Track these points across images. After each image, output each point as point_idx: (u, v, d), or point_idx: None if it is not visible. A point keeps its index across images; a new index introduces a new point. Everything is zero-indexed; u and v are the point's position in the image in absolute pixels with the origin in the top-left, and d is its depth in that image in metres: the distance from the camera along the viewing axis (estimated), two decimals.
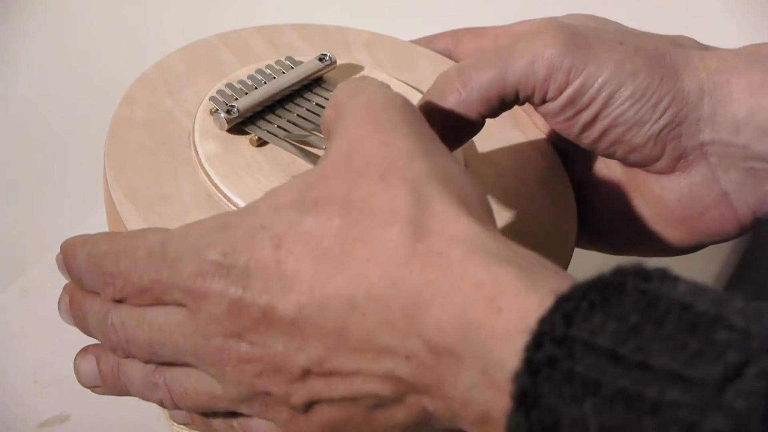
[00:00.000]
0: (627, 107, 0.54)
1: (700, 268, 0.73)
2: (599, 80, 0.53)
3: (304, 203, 0.44)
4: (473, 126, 0.55)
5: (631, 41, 0.55)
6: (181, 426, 0.58)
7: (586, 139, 0.55)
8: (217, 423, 0.48)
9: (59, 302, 0.50)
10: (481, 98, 0.54)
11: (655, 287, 0.38)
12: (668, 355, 0.36)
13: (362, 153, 0.44)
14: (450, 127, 0.54)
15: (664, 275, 0.39)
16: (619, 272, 0.39)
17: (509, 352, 0.39)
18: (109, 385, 0.49)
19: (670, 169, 0.56)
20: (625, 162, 0.56)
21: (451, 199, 0.43)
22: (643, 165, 0.56)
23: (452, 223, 0.42)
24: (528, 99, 0.55)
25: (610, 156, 0.56)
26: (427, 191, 0.43)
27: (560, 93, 0.54)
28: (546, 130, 0.61)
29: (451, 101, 0.54)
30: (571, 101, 0.54)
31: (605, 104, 0.54)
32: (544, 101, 0.55)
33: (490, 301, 0.40)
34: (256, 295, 0.43)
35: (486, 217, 0.44)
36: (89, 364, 0.49)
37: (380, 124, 0.45)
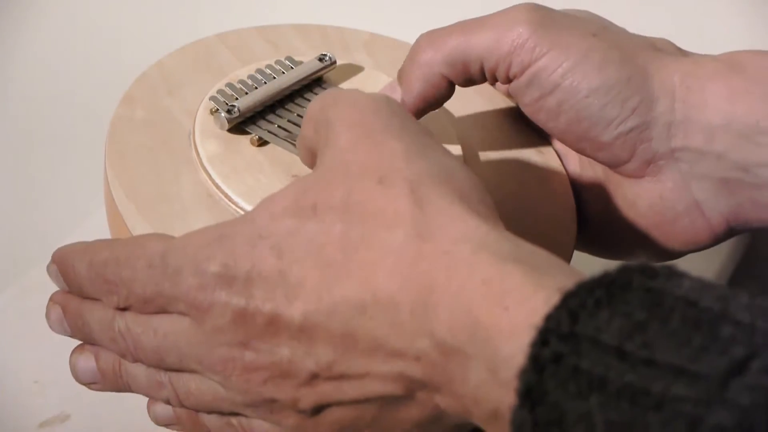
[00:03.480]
0: (592, 100, 0.54)
1: (700, 268, 0.73)
2: (563, 65, 0.53)
3: (301, 209, 0.44)
4: (441, 89, 0.56)
5: (606, 36, 0.55)
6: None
7: (555, 129, 0.55)
8: (212, 420, 0.48)
9: (48, 313, 0.49)
10: (445, 60, 0.55)
11: (660, 284, 0.38)
12: (673, 350, 0.37)
13: (356, 157, 0.44)
14: (420, 86, 0.55)
15: (670, 272, 0.39)
16: (625, 269, 0.39)
17: (516, 349, 0.39)
18: (109, 381, 0.49)
19: (640, 173, 0.55)
20: (597, 160, 0.56)
21: (453, 197, 0.43)
22: (614, 165, 0.56)
23: (457, 222, 0.42)
24: (494, 73, 0.55)
25: (581, 152, 0.56)
26: (429, 191, 0.43)
27: (523, 71, 0.54)
28: (545, 132, 0.61)
29: (419, 60, 0.55)
30: (533, 81, 0.54)
31: (569, 93, 0.54)
32: (508, 79, 0.55)
33: (497, 299, 0.40)
34: (260, 304, 0.43)
35: (489, 214, 0.44)
36: (87, 361, 0.49)
37: (370, 127, 0.45)
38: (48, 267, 0.49)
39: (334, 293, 0.42)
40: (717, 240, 0.57)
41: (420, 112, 0.57)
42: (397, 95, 0.56)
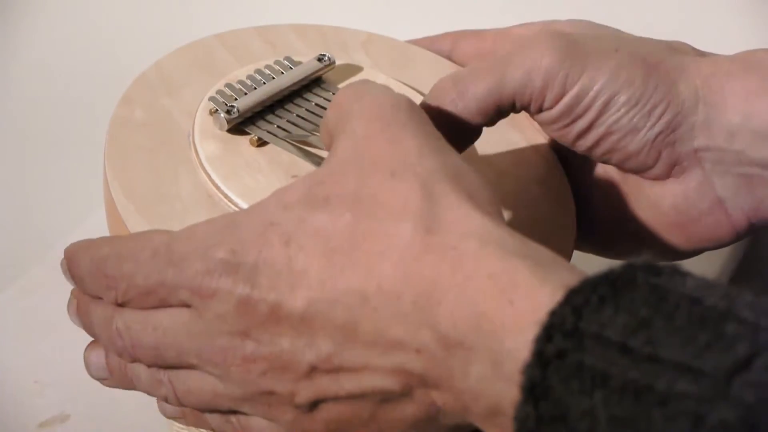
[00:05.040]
0: (622, 114, 0.54)
1: (702, 267, 0.73)
2: (595, 88, 0.54)
3: (313, 200, 0.44)
4: (471, 134, 0.55)
5: (627, 48, 0.55)
6: (181, 426, 0.59)
7: (582, 147, 0.56)
8: (213, 419, 0.48)
9: (68, 305, 0.50)
10: (479, 108, 0.54)
11: (665, 281, 0.39)
12: (677, 347, 0.37)
13: (371, 151, 0.45)
14: (447, 135, 0.54)
15: (674, 270, 0.39)
16: (629, 266, 0.39)
17: (520, 343, 0.39)
18: (117, 378, 0.49)
19: (665, 176, 0.56)
20: (621, 168, 0.57)
21: (462, 195, 0.43)
22: (639, 172, 0.56)
23: (464, 217, 0.43)
24: (525, 108, 0.55)
25: (605, 162, 0.57)
26: (439, 187, 0.43)
27: (557, 102, 0.54)
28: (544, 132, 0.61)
29: (447, 111, 0.54)
30: (568, 110, 0.54)
31: (601, 112, 0.54)
32: (540, 110, 0.55)
33: (503, 293, 0.40)
34: (264, 293, 0.43)
35: (495, 214, 0.44)
36: (98, 357, 0.49)
37: (388, 123, 0.46)
38: (61, 262, 0.49)
39: (338, 282, 0.43)
40: (738, 237, 0.57)
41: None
42: None
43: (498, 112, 0.55)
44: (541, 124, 0.56)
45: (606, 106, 0.54)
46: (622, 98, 0.54)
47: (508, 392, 0.40)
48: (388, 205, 0.43)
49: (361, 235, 0.43)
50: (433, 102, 0.54)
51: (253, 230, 0.44)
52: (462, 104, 0.54)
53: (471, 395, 0.41)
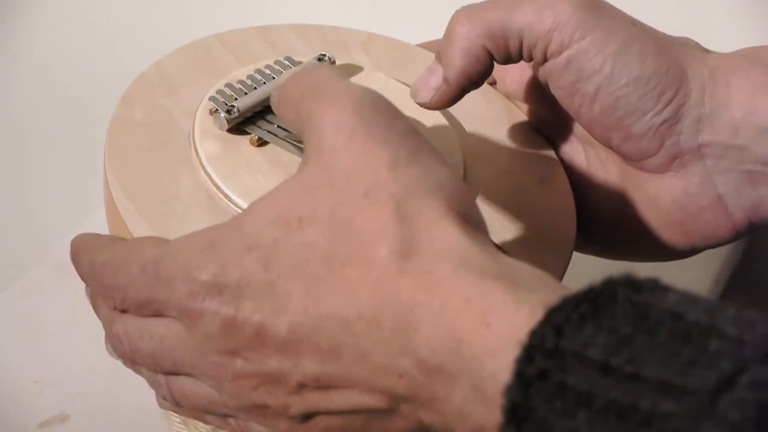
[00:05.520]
0: (631, 90, 0.53)
1: (698, 271, 0.73)
2: (605, 51, 0.53)
3: (288, 222, 0.43)
4: (483, 62, 0.55)
5: (643, 26, 0.55)
6: (181, 426, 0.59)
7: (586, 116, 0.55)
8: (212, 418, 0.48)
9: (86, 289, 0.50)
10: (485, 33, 0.54)
11: (646, 297, 0.38)
12: (660, 365, 0.36)
13: (342, 166, 0.44)
14: (462, 61, 0.55)
15: (654, 285, 0.39)
16: (609, 283, 0.39)
17: (500, 366, 0.39)
18: (130, 366, 0.49)
19: (663, 168, 0.55)
20: (619, 152, 0.56)
21: (440, 210, 0.43)
22: (637, 159, 0.56)
23: (440, 237, 0.42)
24: (531, 51, 0.54)
25: (605, 143, 0.56)
26: (413, 206, 0.43)
27: (562, 51, 0.53)
28: (543, 131, 0.61)
29: (459, 34, 0.54)
30: (572, 63, 0.54)
31: (608, 80, 0.53)
32: (545, 58, 0.54)
33: (479, 316, 0.40)
34: (248, 314, 0.43)
35: (475, 224, 0.44)
36: None
37: (355, 131, 0.44)
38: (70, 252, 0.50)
39: (319, 308, 0.42)
40: (737, 236, 0.57)
41: (462, 89, 0.56)
42: (438, 74, 0.56)
43: (506, 48, 0.54)
44: (549, 77, 0.55)
45: (615, 75, 0.53)
46: (634, 72, 0.53)
47: (490, 414, 0.39)
48: (363, 230, 0.42)
49: (338, 260, 0.42)
50: (449, 28, 0.55)
51: (232, 252, 0.44)
52: (469, 27, 0.54)
53: (455, 417, 0.41)
